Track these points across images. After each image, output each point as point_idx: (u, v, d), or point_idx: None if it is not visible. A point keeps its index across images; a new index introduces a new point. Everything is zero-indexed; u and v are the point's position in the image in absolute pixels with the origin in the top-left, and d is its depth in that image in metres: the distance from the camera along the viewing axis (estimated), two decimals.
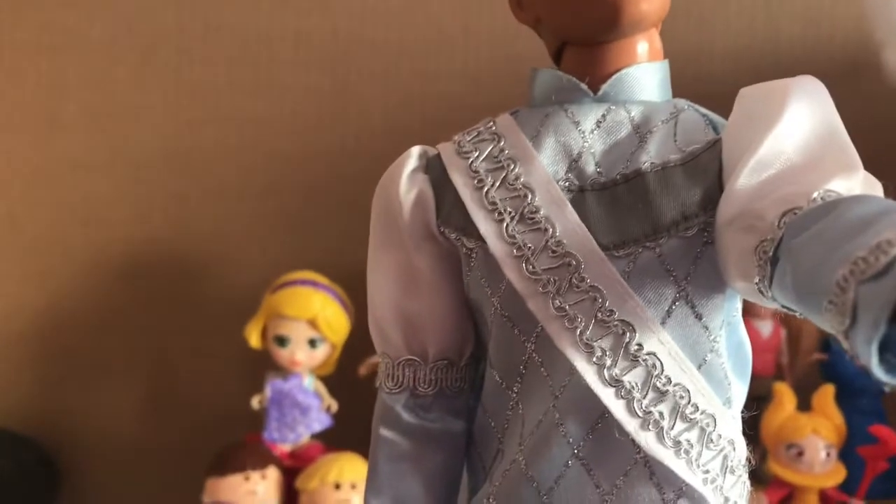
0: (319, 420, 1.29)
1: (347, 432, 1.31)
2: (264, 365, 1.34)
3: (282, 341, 1.28)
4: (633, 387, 0.53)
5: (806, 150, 0.51)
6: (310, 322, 1.27)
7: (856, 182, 0.48)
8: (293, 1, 1.50)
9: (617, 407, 0.53)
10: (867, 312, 0.35)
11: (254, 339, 1.29)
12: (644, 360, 0.53)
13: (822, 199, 0.46)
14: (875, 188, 0.49)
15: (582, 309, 0.54)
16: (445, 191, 0.60)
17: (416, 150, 0.63)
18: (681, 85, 1.52)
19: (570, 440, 0.55)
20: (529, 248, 0.55)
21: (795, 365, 1.28)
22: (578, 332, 0.53)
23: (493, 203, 0.57)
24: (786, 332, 1.28)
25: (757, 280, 0.48)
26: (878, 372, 0.35)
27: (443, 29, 1.49)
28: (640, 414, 0.53)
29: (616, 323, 0.53)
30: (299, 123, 1.52)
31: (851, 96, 1.43)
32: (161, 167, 1.52)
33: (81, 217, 1.54)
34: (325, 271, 1.36)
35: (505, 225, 0.56)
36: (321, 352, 1.29)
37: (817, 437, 1.17)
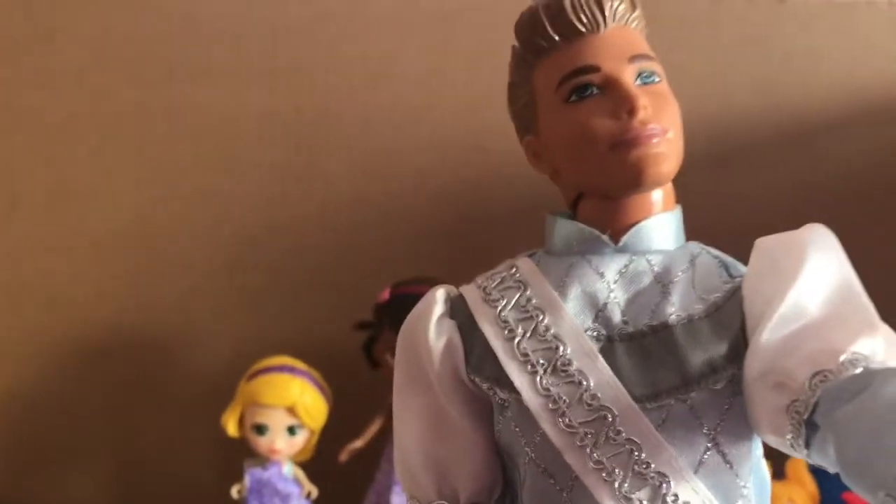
0: None
1: None
2: (237, 448, 1.32)
3: (260, 429, 1.26)
4: None
5: (828, 304, 0.53)
6: (288, 409, 1.26)
7: (879, 340, 0.51)
8: (256, 79, 1.51)
9: None
10: None
11: (231, 428, 1.28)
12: None
13: (850, 363, 0.49)
14: (894, 343, 0.52)
15: (619, 462, 0.55)
16: (474, 338, 0.61)
17: (441, 295, 0.64)
18: None
19: None
20: (565, 401, 0.56)
21: None
22: (617, 485, 0.55)
23: (525, 354, 0.58)
24: None
25: (790, 437, 0.50)
26: None
27: (406, 104, 1.51)
28: None
29: (653, 475, 0.55)
30: (264, 199, 1.52)
31: (800, 162, 1.50)
32: (123, 246, 1.51)
33: (42, 298, 1.51)
34: (293, 349, 1.35)
35: (539, 377, 0.57)
36: (300, 438, 1.28)
37: None
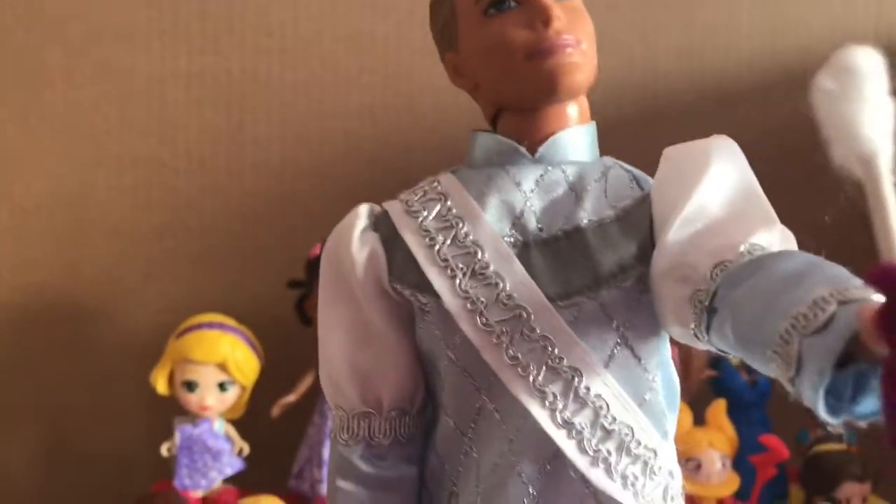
0: (231, 464, 1.27)
1: (261, 474, 1.31)
2: (168, 409, 1.32)
3: (190, 386, 1.26)
4: (583, 427, 0.57)
5: (729, 205, 0.57)
6: (219, 366, 1.26)
7: (775, 235, 0.55)
8: (185, 41, 1.50)
9: (569, 446, 0.57)
10: (812, 363, 0.41)
11: (160, 386, 1.27)
12: (592, 402, 0.58)
13: (748, 252, 0.52)
14: (790, 239, 0.56)
15: (534, 357, 0.58)
16: (396, 248, 0.63)
17: (363, 210, 0.65)
18: None
19: (525, 480, 0.59)
20: (482, 301, 0.59)
21: (689, 382, 1.35)
22: (531, 379, 0.57)
23: (445, 260, 0.60)
24: (678, 352, 1.36)
25: (693, 326, 0.53)
26: (824, 413, 0.41)
27: (337, 67, 1.52)
28: (591, 452, 0.58)
29: (565, 369, 0.58)
30: (194, 163, 1.51)
31: (723, 125, 1.55)
32: (50, 211, 1.48)
33: None
34: (227, 311, 1.35)
35: (458, 281, 0.59)
36: (231, 395, 1.28)
37: (713, 449, 1.25)
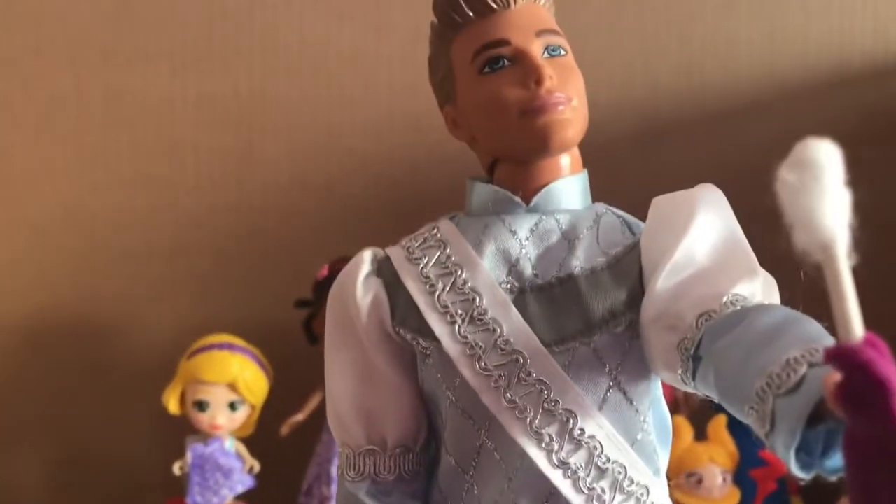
0: (242, 482, 1.30)
1: (271, 491, 1.34)
2: (179, 428, 1.34)
3: (201, 406, 1.29)
4: (578, 467, 0.60)
5: (714, 254, 0.60)
6: (229, 386, 1.29)
7: (757, 285, 0.57)
8: (193, 62, 1.52)
9: (565, 486, 0.60)
10: (784, 423, 0.43)
11: (172, 406, 1.30)
12: (586, 443, 0.61)
13: (731, 303, 0.55)
14: (772, 287, 0.58)
15: (530, 400, 0.61)
16: (398, 294, 0.66)
17: (367, 255, 0.68)
18: None
19: None
20: (481, 346, 0.62)
21: (690, 398, 1.38)
22: (528, 421, 0.60)
23: (445, 306, 0.63)
24: None
25: (680, 372, 0.56)
26: (795, 469, 0.43)
27: (343, 85, 1.54)
28: (585, 490, 0.60)
29: (561, 411, 0.60)
30: (204, 183, 1.53)
31: (724, 139, 1.57)
32: (63, 232, 1.51)
33: None
34: (236, 330, 1.38)
35: (457, 326, 0.62)
36: (241, 414, 1.31)
37: (714, 464, 1.27)
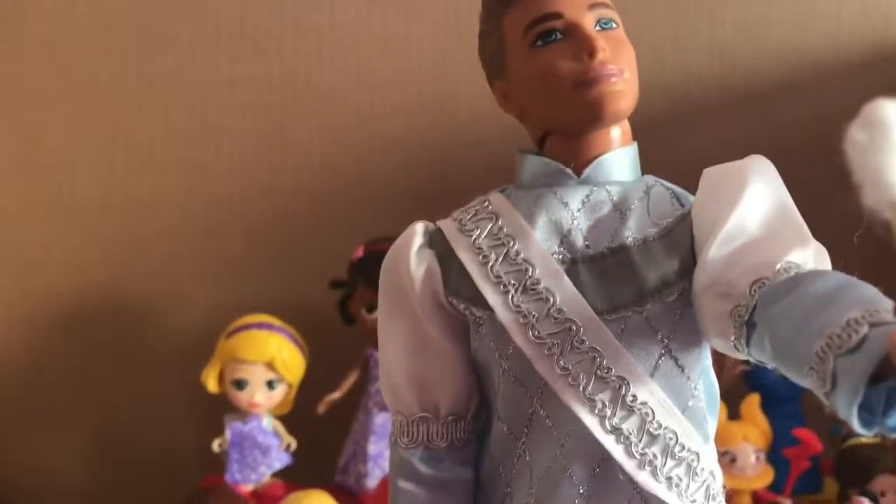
0: (280, 459, 1.32)
1: (308, 469, 1.36)
2: (215, 406, 1.37)
3: (240, 385, 1.31)
4: (630, 433, 0.61)
5: (765, 224, 0.60)
6: (267, 364, 1.31)
7: (809, 253, 0.58)
8: (226, 46, 1.54)
9: (617, 451, 0.61)
10: (846, 381, 0.44)
11: (211, 385, 1.32)
12: (639, 409, 0.62)
13: (784, 269, 0.55)
14: (824, 256, 0.59)
15: (583, 367, 0.62)
16: (451, 265, 0.67)
17: (419, 228, 0.69)
18: None
19: (576, 482, 0.63)
20: (534, 315, 0.63)
21: (723, 377, 1.38)
22: (581, 388, 0.61)
23: (498, 276, 0.64)
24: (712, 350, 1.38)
25: (733, 339, 0.57)
26: (858, 426, 0.44)
27: (374, 69, 1.55)
28: (637, 456, 0.61)
29: (613, 378, 0.61)
30: (237, 166, 1.55)
31: (755, 121, 1.56)
32: (98, 214, 1.54)
33: (17, 266, 1.54)
34: (269, 310, 1.40)
35: (510, 296, 0.63)
36: (279, 392, 1.33)
37: (747, 443, 1.28)
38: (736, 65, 1.57)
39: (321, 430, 1.36)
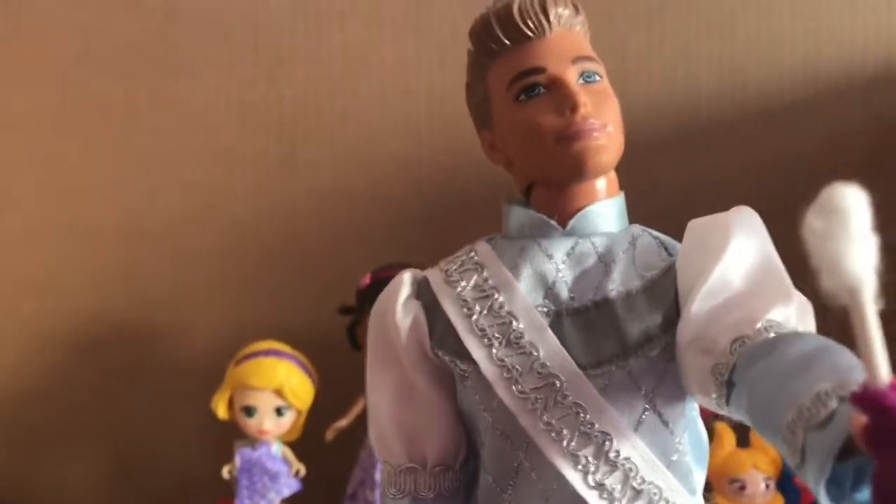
0: (289, 485, 1.33)
1: (316, 495, 1.37)
2: (226, 432, 1.38)
3: (249, 411, 1.32)
4: (613, 488, 0.61)
5: (749, 278, 0.60)
6: (276, 391, 1.31)
7: (792, 309, 0.58)
8: (238, 71, 1.55)
9: None
10: (814, 457, 0.44)
11: (221, 411, 1.34)
12: (622, 465, 0.61)
13: (765, 329, 0.55)
14: (806, 311, 0.59)
15: (567, 423, 0.62)
16: (437, 316, 0.67)
17: (407, 277, 0.70)
18: None
19: None
20: (517, 370, 0.63)
21: None
22: (565, 444, 0.61)
23: (482, 329, 0.64)
24: None
25: (715, 396, 0.57)
26: (825, 501, 0.44)
27: (384, 91, 1.56)
28: None
29: (597, 433, 0.61)
30: (250, 189, 1.56)
31: (766, 142, 1.55)
32: (114, 237, 1.56)
33: (34, 289, 1.56)
34: (283, 333, 1.40)
35: (494, 350, 0.63)
36: (287, 419, 1.33)
37: (757, 471, 1.27)
38: (747, 84, 1.57)
39: (330, 457, 1.36)
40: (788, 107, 1.57)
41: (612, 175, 0.68)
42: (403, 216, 1.56)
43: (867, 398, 0.37)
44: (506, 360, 0.63)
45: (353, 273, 1.42)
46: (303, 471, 1.36)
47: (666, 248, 0.67)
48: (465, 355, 0.65)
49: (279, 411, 1.32)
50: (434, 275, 0.69)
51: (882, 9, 1.53)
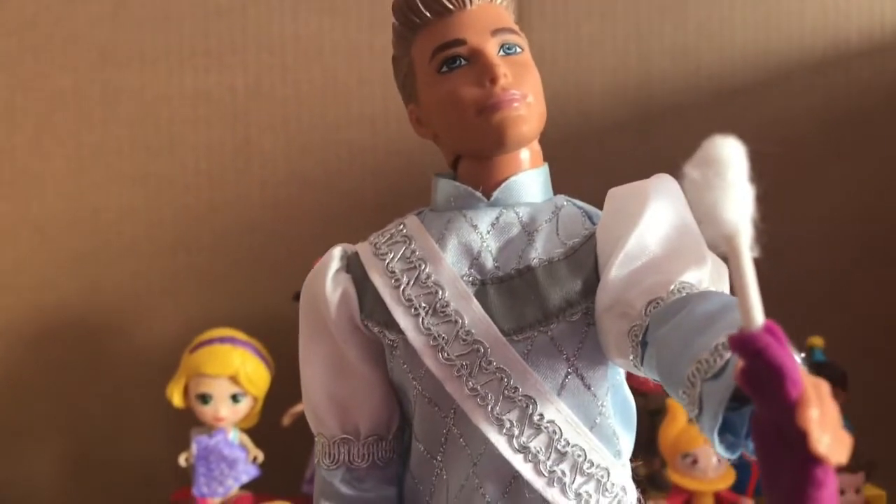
0: (247, 471, 1.33)
1: (275, 480, 1.37)
2: (185, 421, 1.37)
3: (204, 399, 1.32)
4: (538, 451, 0.62)
5: (665, 242, 0.61)
6: (231, 378, 1.31)
7: (705, 271, 0.59)
8: (189, 60, 1.54)
9: (526, 469, 0.62)
10: (709, 406, 0.45)
11: (176, 399, 1.33)
12: (546, 428, 0.63)
13: (678, 290, 0.56)
14: (721, 273, 0.60)
15: (491, 388, 0.63)
16: (366, 288, 0.68)
17: (337, 252, 0.70)
18: (564, 122, 1.62)
19: (489, 499, 0.64)
20: (443, 338, 0.64)
21: None
22: (489, 408, 0.62)
23: (410, 300, 0.65)
24: None
25: (632, 358, 0.58)
26: (720, 450, 0.45)
27: (337, 79, 1.56)
28: (546, 473, 0.63)
29: (520, 398, 0.62)
30: (203, 179, 1.56)
31: (720, 125, 1.57)
32: (65, 230, 1.54)
33: None
34: (238, 323, 1.40)
35: (421, 319, 0.64)
36: (244, 406, 1.33)
37: (708, 445, 1.28)
38: (700, 67, 1.58)
39: (288, 442, 1.36)
40: (741, 90, 1.59)
41: (536, 146, 0.69)
42: (359, 204, 1.56)
43: (741, 341, 0.38)
44: (432, 328, 0.64)
45: (308, 261, 1.40)
46: (261, 457, 1.35)
47: (589, 217, 0.68)
48: (393, 325, 0.65)
49: (235, 398, 1.32)
50: (364, 248, 0.70)
51: None
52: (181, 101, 1.55)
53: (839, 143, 1.56)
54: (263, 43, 1.55)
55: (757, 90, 1.58)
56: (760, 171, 0.42)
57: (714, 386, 0.45)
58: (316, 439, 0.71)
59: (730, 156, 0.39)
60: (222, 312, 1.49)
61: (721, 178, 0.39)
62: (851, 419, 1.40)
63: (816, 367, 1.39)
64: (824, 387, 0.38)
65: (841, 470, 1.24)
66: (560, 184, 1.64)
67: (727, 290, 0.60)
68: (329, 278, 0.69)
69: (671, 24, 1.58)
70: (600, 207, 0.70)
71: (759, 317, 0.39)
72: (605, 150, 1.57)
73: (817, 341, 1.41)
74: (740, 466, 1.30)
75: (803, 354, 0.41)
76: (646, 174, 1.64)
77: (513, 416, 0.62)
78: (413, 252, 0.67)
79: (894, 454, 1.37)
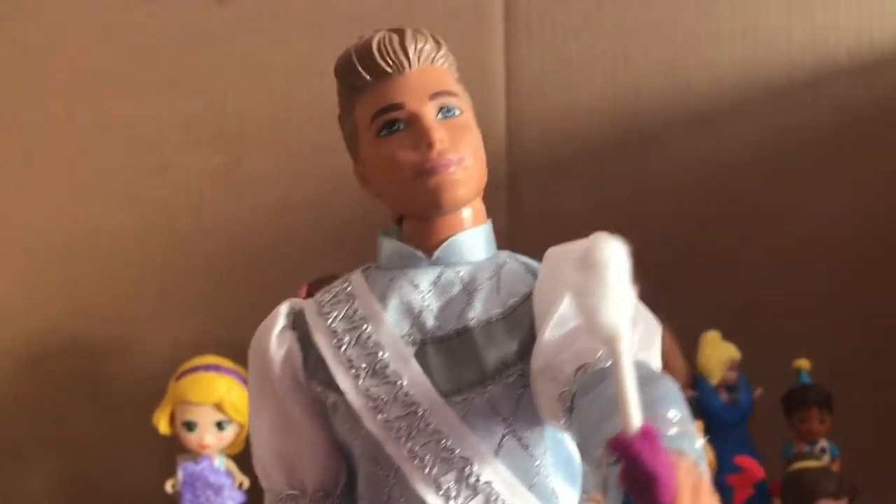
0: (232, 498, 1.35)
1: None
2: (173, 445, 1.39)
3: (190, 426, 1.33)
4: None
5: None
6: (216, 406, 1.33)
7: (635, 336, 0.59)
8: (179, 86, 1.56)
9: None
10: (611, 490, 0.46)
11: (163, 426, 1.35)
12: (483, 489, 0.63)
13: (604, 357, 0.57)
14: (652, 334, 0.61)
15: (429, 449, 0.63)
16: (310, 347, 0.69)
17: (283, 309, 0.71)
18: (552, 142, 1.62)
19: None
20: (382, 399, 0.64)
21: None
22: (426, 470, 0.63)
23: (350, 360, 0.66)
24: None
25: (563, 422, 0.59)
26: None
27: (325, 102, 1.55)
28: None
29: (457, 459, 0.63)
30: (194, 202, 1.57)
31: (706, 141, 1.57)
32: (57, 254, 1.56)
33: None
34: (229, 347, 1.41)
35: (360, 380, 0.65)
36: (229, 433, 1.35)
37: None
38: (689, 83, 1.58)
39: None
40: (728, 106, 1.59)
41: (478, 204, 0.69)
42: (348, 229, 1.56)
43: (617, 446, 0.39)
44: (371, 389, 0.64)
45: (297, 286, 1.43)
46: (246, 483, 1.37)
47: (533, 274, 0.68)
48: (333, 386, 0.66)
49: (220, 425, 1.34)
50: (310, 306, 0.71)
51: (818, 9, 1.55)
52: (170, 126, 1.57)
53: (827, 160, 1.56)
54: (251, 67, 1.56)
55: (745, 107, 1.58)
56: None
57: (615, 472, 0.46)
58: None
59: (610, 258, 0.40)
60: (213, 336, 1.50)
61: (601, 282, 0.39)
62: (837, 442, 1.40)
63: (802, 390, 1.39)
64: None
65: (826, 495, 1.25)
66: (547, 202, 1.64)
67: (657, 354, 0.61)
68: (274, 336, 0.70)
69: (659, 40, 1.57)
70: (593, 228, 0.70)
71: (636, 421, 0.40)
72: (592, 167, 1.57)
73: (803, 363, 1.41)
74: (721, 492, 1.30)
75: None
76: (632, 191, 1.63)
77: (450, 477, 0.62)
78: (356, 311, 0.67)
79: (880, 477, 1.37)
